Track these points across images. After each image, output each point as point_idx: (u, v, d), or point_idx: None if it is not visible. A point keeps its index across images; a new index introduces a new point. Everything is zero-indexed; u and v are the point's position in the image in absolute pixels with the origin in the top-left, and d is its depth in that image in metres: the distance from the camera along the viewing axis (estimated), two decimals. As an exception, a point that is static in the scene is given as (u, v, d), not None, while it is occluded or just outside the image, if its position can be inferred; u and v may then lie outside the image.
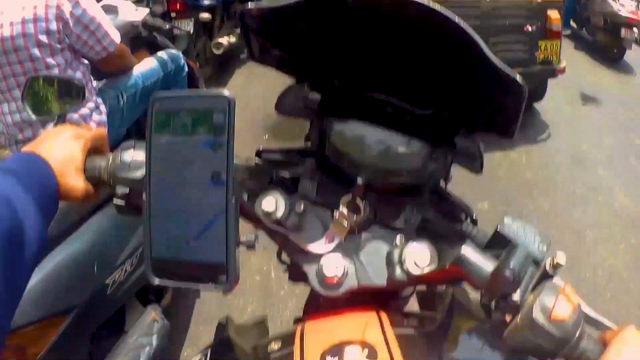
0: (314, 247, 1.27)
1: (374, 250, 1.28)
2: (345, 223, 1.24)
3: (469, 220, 1.34)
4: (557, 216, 4.72)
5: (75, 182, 1.06)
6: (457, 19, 0.97)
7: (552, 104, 6.29)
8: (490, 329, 1.11)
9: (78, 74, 3.13)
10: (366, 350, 1.07)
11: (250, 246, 1.00)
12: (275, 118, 6.06)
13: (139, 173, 1.09)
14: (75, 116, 3.07)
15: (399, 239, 1.21)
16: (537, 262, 0.97)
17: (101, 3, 3.64)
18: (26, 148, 1.06)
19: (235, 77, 7.60)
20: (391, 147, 1.27)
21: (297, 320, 1.44)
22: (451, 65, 1.18)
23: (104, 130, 1.21)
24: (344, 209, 1.25)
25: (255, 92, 6.88)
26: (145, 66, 3.74)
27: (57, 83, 2.50)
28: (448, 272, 1.05)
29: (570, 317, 0.86)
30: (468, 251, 0.97)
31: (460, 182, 1.43)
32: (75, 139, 1.11)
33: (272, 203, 1.21)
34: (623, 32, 8.16)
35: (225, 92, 0.86)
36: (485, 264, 0.96)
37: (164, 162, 0.90)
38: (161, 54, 3.94)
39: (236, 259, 0.88)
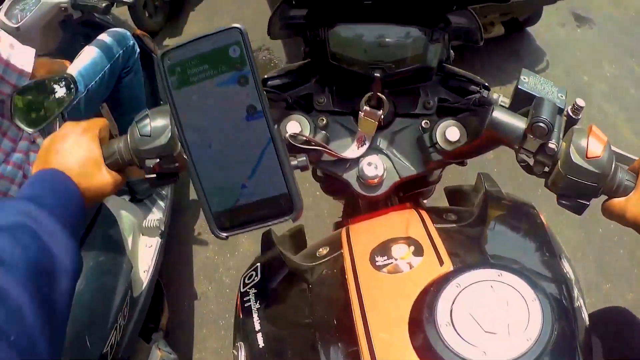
0: (349, 153, 1.38)
1: (405, 140, 1.41)
2: (372, 120, 1.33)
3: (481, 88, 1.47)
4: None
5: (101, 178, 1.05)
6: None
7: (545, 28, 5.77)
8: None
9: None
10: (412, 247, 1.16)
11: (304, 167, 1.00)
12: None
13: (164, 139, 1.06)
14: (9, 167, 2.35)
15: (424, 123, 1.38)
16: (560, 111, 1.07)
17: None
18: (37, 165, 1.03)
19: (194, 20, 6.73)
20: (390, 39, 1.38)
21: (338, 225, 1.62)
22: None
23: (104, 119, 1.16)
24: (366, 107, 1.34)
25: None
26: (84, 61, 2.92)
27: (42, 85, 2.22)
28: (482, 138, 1.16)
29: (603, 153, 1.00)
30: (499, 114, 1.08)
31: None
32: (84, 134, 1.08)
33: (296, 125, 1.32)
34: None
35: (234, 24, 0.86)
36: (517, 122, 1.07)
37: (194, 114, 0.88)
38: (102, 37, 3.11)
39: (296, 184, 0.89)
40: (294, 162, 0.96)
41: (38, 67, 2.30)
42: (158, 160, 1.06)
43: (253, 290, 1.38)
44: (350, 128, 1.42)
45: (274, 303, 1.36)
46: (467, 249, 1.26)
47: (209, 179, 0.88)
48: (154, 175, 1.08)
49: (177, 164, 1.07)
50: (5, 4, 3.04)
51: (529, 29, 5.67)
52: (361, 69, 1.39)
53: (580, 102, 1.07)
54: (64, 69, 2.76)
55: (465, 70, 1.56)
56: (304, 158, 0.99)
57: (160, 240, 3.25)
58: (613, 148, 1.03)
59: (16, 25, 2.97)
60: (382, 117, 1.35)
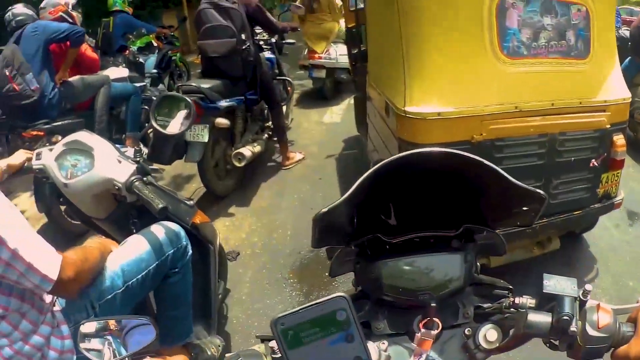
0: None
1: (452, 348, 1.55)
2: (428, 339, 1.44)
3: (508, 292, 1.67)
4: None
5: None
6: (491, 165, 1.44)
7: (600, 230, 5.50)
8: None
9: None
10: None
11: None
12: (301, 254, 5.15)
13: None
14: (26, 347, 2.14)
15: (466, 331, 1.53)
16: (574, 299, 1.28)
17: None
18: None
19: (262, 193, 6.65)
20: (434, 269, 1.60)
21: None
22: (468, 192, 1.66)
23: None
24: (423, 330, 1.46)
25: (284, 217, 5.94)
26: (130, 253, 2.67)
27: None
28: (518, 336, 1.37)
29: (610, 320, 1.21)
30: (532, 317, 1.28)
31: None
32: None
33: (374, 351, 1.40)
34: None
35: (339, 293, 1.06)
36: (545, 318, 1.28)
37: None
38: (155, 230, 2.83)
39: None
40: None
41: (66, 267, 2.11)
42: None
43: None
44: (408, 346, 1.55)
45: None
46: None
47: None
48: None
49: None
50: (57, 148, 2.86)
51: (584, 235, 5.46)
52: (411, 297, 1.57)
53: (589, 287, 1.27)
54: (106, 254, 2.58)
55: (494, 278, 1.77)
56: None
57: None
58: (616, 307, 1.24)
59: (64, 182, 2.78)
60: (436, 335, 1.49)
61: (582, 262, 5.18)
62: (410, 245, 1.71)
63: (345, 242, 1.77)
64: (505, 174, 1.54)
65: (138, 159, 2.96)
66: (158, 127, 3.36)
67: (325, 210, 1.53)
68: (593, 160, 4.17)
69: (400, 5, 3.73)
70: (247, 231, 5.70)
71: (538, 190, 1.58)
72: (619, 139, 4.27)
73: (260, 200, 6.41)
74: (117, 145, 3.00)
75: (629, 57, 8.21)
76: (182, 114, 3.41)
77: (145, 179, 2.84)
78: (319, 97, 10.53)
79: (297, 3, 9.98)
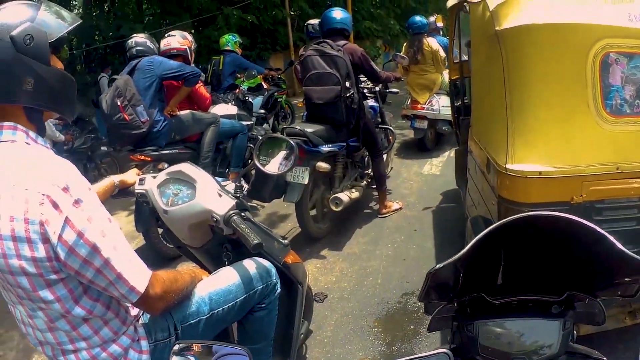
0: None
1: None
2: None
3: None
4: None
5: None
6: (600, 230, 1.52)
7: None
8: None
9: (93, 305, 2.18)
10: None
11: None
12: (389, 304, 5.08)
13: None
14: (103, 354, 2.23)
15: None
16: None
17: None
18: None
19: (356, 239, 6.61)
20: (531, 333, 1.65)
21: None
22: (580, 258, 1.68)
23: None
24: None
25: (375, 265, 5.83)
26: (220, 283, 2.75)
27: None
28: None
29: None
30: None
31: None
32: None
33: None
34: None
35: (442, 349, 1.24)
36: None
37: None
38: (247, 264, 2.92)
39: None
40: None
41: (155, 283, 2.18)
42: None
43: None
44: None
45: None
46: None
47: None
48: None
49: None
50: (161, 176, 3.01)
51: None
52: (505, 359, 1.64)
53: None
54: (196, 281, 2.66)
55: (589, 348, 1.82)
56: None
57: None
58: None
59: (165, 208, 2.90)
60: None
61: None
62: (508, 307, 1.74)
63: (448, 299, 1.82)
64: (614, 240, 1.58)
65: (238, 195, 3.05)
66: (260, 166, 3.40)
67: (440, 266, 1.63)
68: None
69: (505, 60, 3.70)
70: (337, 275, 5.71)
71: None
72: None
73: (354, 246, 6.40)
74: (218, 179, 3.12)
75: None
76: (283, 155, 3.47)
77: (243, 214, 2.89)
78: (419, 147, 10.52)
79: (401, 54, 10.03)
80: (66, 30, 2.15)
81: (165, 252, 5.84)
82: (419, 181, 8.86)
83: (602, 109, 3.58)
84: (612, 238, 1.57)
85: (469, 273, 1.76)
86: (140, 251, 6.08)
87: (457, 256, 1.59)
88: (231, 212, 2.83)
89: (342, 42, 6.37)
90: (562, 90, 3.58)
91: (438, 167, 9.48)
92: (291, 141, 3.45)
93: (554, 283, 1.75)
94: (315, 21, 8.68)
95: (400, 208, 7.40)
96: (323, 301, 5.17)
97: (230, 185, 3.17)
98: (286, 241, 3.19)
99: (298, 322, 3.47)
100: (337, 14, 6.63)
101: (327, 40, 6.29)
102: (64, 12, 2.23)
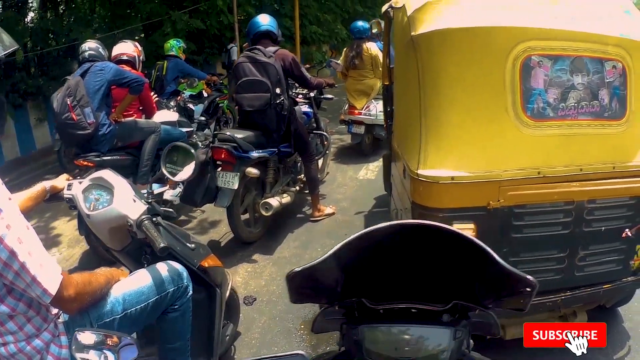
0: None
1: None
2: None
3: None
4: None
5: None
6: (477, 241, 1.57)
7: (637, 302, 5.04)
8: None
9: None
10: None
11: None
12: (315, 307, 5.02)
13: None
14: (28, 347, 2.42)
15: None
16: None
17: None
18: None
19: (287, 243, 6.71)
20: (419, 340, 1.68)
21: None
22: (461, 269, 1.73)
23: None
24: None
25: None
26: (133, 285, 2.90)
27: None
28: None
29: None
30: None
31: None
32: None
33: None
34: None
35: (299, 350, 1.25)
36: None
37: None
38: (160, 267, 3.07)
39: None
40: None
41: (68, 286, 2.34)
42: None
43: None
44: None
45: None
46: None
47: None
48: None
49: None
50: (85, 182, 3.15)
51: (620, 308, 5.06)
52: None
53: None
54: (113, 282, 2.81)
55: (486, 358, 1.89)
56: None
57: None
58: None
59: (87, 213, 3.04)
60: None
61: (612, 337, 4.74)
62: (402, 313, 1.78)
63: (331, 301, 1.86)
64: (494, 255, 1.64)
65: (150, 200, 3.20)
66: (166, 173, 3.60)
67: (299, 269, 1.65)
68: (627, 230, 3.91)
69: (420, 65, 3.70)
70: (267, 279, 5.77)
71: (527, 276, 1.68)
72: None
73: (284, 250, 6.47)
74: (134, 185, 3.25)
75: None
76: (191, 165, 3.60)
77: (154, 219, 3.07)
78: (357, 152, 10.60)
79: (338, 60, 10.21)
80: (2, 54, 2.31)
81: (105, 255, 5.81)
82: (354, 186, 8.94)
83: (522, 113, 3.58)
84: (493, 253, 1.63)
85: (352, 277, 1.78)
86: (86, 254, 6.42)
87: (317, 261, 1.63)
88: (143, 217, 2.99)
89: (273, 49, 6.44)
90: (478, 94, 3.59)
91: (374, 172, 9.55)
92: (192, 151, 3.61)
93: (442, 292, 1.76)
94: None
95: (333, 213, 7.47)
96: (252, 304, 5.25)
97: (171, 192, 3.31)
98: (193, 245, 3.34)
99: (218, 323, 3.60)
100: (263, 18, 6.74)
101: (259, 47, 6.36)
102: (4, 36, 2.38)
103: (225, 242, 6.63)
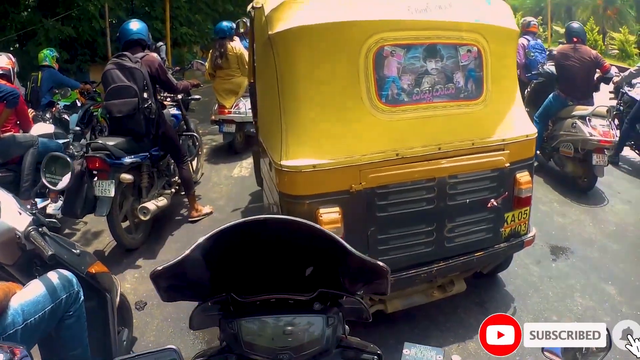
0: None
1: None
2: None
3: (376, 357, 1.83)
4: None
5: None
6: (329, 232, 1.68)
7: (517, 268, 5.58)
8: None
9: None
10: None
11: None
12: None
13: None
14: None
15: None
16: None
17: None
18: None
19: (169, 245, 6.78)
20: (294, 329, 1.73)
21: None
22: (324, 259, 1.81)
23: None
24: None
25: None
26: (28, 295, 2.92)
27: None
28: None
29: None
30: None
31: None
32: None
33: None
34: (594, 158, 7.62)
35: (170, 345, 1.32)
36: None
37: None
38: (51, 276, 3.09)
39: None
40: None
41: None
42: None
43: None
44: None
45: None
46: None
47: None
48: None
49: None
50: None
51: (500, 274, 5.44)
52: (271, 355, 1.73)
53: (457, 358, 1.37)
54: (10, 295, 2.81)
55: (364, 342, 1.96)
56: None
57: None
58: None
59: None
60: None
61: (496, 301, 5.12)
62: (276, 305, 1.84)
63: (202, 298, 1.90)
64: (347, 245, 1.73)
65: (34, 211, 3.22)
66: (47, 184, 3.73)
67: (160, 268, 1.71)
68: (492, 200, 4.19)
69: (278, 62, 3.83)
70: (154, 282, 5.69)
71: (379, 263, 1.78)
72: (523, 177, 4.32)
73: (167, 253, 6.49)
74: (17, 198, 3.25)
75: (553, 92, 8.50)
76: (68, 173, 3.73)
77: (40, 229, 3.09)
78: (229, 151, 10.68)
79: (201, 61, 10.34)
80: None
81: None
82: (229, 184, 9.05)
83: (377, 101, 3.79)
84: (345, 243, 1.71)
85: (219, 273, 1.87)
86: None
87: (178, 259, 1.69)
88: (29, 227, 3.02)
89: (140, 54, 6.44)
90: (334, 87, 3.78)
91: (247, 169, 9.64)
92: (68, 159, 3.78)
93: (308, 282, 1.85)
94: None
95: (211, 212, 7.56)
96: (143, 309, 5.28)
97: (53, 205, 3.85)
98: (79, 251, 3.40)
99: (113, 328, 3.63)
100: (133, 25, 6.70)
101: (126, 53, 6.35)
102: None
103: (110, 251, 6.58)
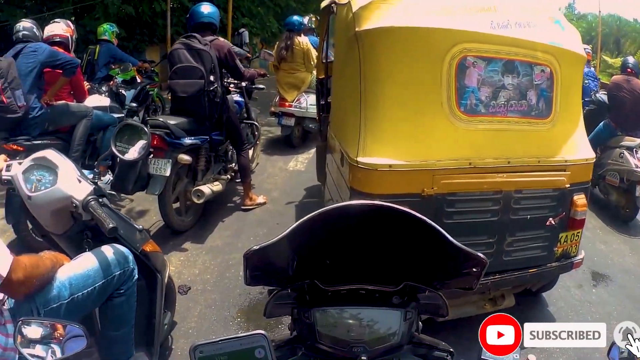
0: None
1: None
2: None
3: (448, 355, 1.80)
4: None
5: None
6: (427, 219, 1.59)
7: (560, 289, 5.50)
8: None
9: None
10: None
11: None
12: (251, 295, 5.16)
13: None
14: None
15: None
16: None
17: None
18: None
19: (219, 232, 6.68)
20: (371, 322, 1.67)
21: None
22: (411, 250, 1.74)
23: None
24: None
25: (238, 258, 5.76)
26: (78, 268, 2.79)
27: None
28: None
29: None
30: None
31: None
32: None
33: None
34: (638, 190, 7.62)
35: (259, 330, 1.17)
36: None
37: None
38: (105, 250, 2.97)
39: None
40: None
41: (17, 269, 2.27)
42: None
43: None
44: None
45: None
46: None
47: None
48: None
49: None
50: (26, 162, 3.00)
51: (544, 294, 5.39)
52: (344, 347, 1.66)
53: (532, 357, 1.36)
54: (57, 266, 2.72)
55: (435, 339, 1.90)
56: None
57: None
58: None
59: (28, 194, 2.89)
60: None
61: (538, 321, 5.04)
62: (354, 296, 1.77)
63: (283, 285, 1.84)
64: (444, 232, 1.67)
65: (96, 181, 3.16)
66: (116, 152, 3.54)
67: (256, 247, 1.63)
68: (550, 219, 4.19)
69: (363, 60, 3.84)
70: (200, 268, 5.72)
71: (478, 253, 1.71)
72: (580, 199, 4.29)
73: (217, 239, 6.44)
74: (78, 166, 3.16)
75: (604, 121, 8.47)
76: (140, 143, 3.55)
77: (101, 200, 2.96)
78: (286, 144, 10.64)
79: (270, 51, 10.12)
80: None
81: (34, 246, 5.61)
82: (284, 177, 8.98)
83: (456, 109, 3.78)
84: (443, 231, 1.65)
85: (304, 260, 1.79)
86: (11, 246, 5.92)
87: (277, 238, 1.62)
88: (89, 197, 2.89)
89: (210, 37, 6.40)
90: (416, 90, 3.77)
91: (303, 163, 9.63)
92: (145, 128, 3.58)
93: (395, 274, 1.78)
94: None
95: (265, 202, 7.47)
96: (187, 293, 5.18)
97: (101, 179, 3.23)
98: (142, 229, 3.29)
99: (159, 311, 3.50)
100: (205, 8, 6.66)
101: (196, 35, 6.31)
102: None
103: (156, 231, 6.49)
